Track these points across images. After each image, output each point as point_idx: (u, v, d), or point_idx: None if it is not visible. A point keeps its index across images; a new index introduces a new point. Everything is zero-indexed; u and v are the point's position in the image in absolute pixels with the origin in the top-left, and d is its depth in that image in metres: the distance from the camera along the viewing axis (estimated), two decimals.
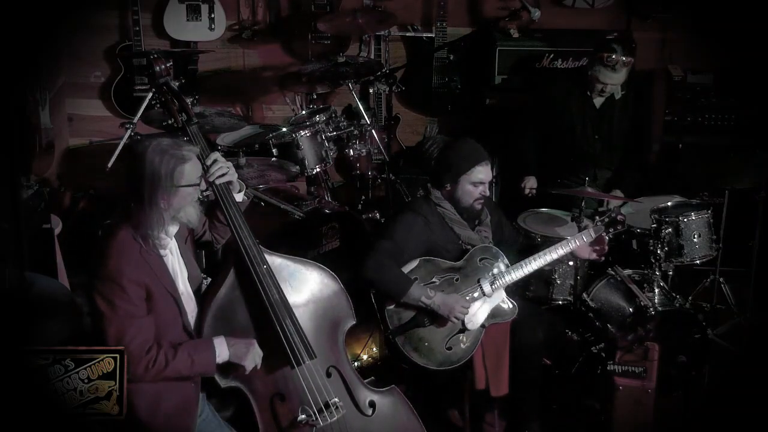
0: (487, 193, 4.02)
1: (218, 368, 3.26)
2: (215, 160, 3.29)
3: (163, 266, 3.20)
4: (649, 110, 5.71)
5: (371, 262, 3.85)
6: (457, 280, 3.93)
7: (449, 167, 4.00)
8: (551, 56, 5.79)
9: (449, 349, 3.91)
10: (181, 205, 3.16)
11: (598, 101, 5.05)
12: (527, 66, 5.82)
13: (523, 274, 3.99)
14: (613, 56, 4.82)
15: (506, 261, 3.99)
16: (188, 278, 3.32)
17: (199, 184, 3.20)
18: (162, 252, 3.20)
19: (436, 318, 3.90)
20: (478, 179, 3.96)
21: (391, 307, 3.90)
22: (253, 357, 3.25)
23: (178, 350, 3.14)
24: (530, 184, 5.01)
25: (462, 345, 3.92)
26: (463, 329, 3.91)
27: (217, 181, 3.29)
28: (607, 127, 5.08)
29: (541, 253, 4.00)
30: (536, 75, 5.78)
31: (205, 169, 3.26)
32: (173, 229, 3.24)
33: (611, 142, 5.10)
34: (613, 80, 4.90)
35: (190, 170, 3.15)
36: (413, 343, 3.90)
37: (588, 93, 5.01)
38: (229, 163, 3.34)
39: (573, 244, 4.05)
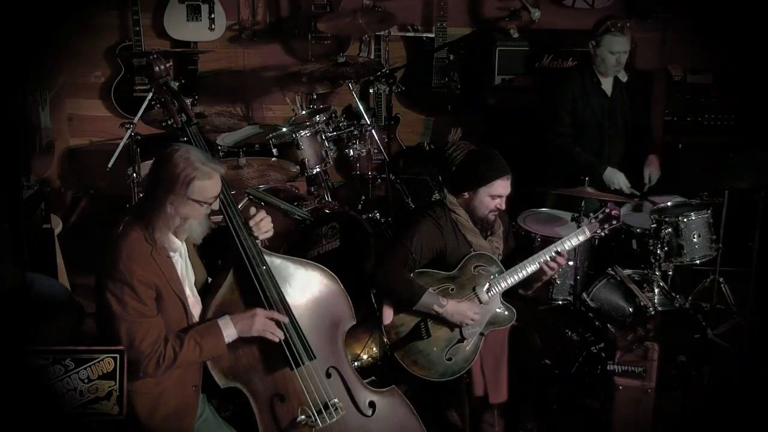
0: (503, 207, 4.00)
1: (221, 367, 3.27)
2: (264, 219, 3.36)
3: (172, 268, 3.20)
4: (648, 97, 5.73)
5: (385, 270, 3.85)
6: (452, 290, 3.92)
7: (470, 176, 3.97)
8: (551, 56, 5.80)
9: (449, 359, 3.90)
10: (187, 215, 3.16)
11: (608, 88, 5.08)
12: (527, 66, 5.82)
13: (518, 279, 3.96)
14: (618, 22, 4.93)
15: (501, 267, 3.98)
16: (195, 281, 3.33)
17: (209, 204, 3.18)
18: (171, 254, 3.21)
19: (436, 329, 3.90)
20: (497, 192, 3.94)
21: (389, 322, 3.89)
22: (262, 324, 3.24)
23: (185, 340, 3.15)
24: (622, 181, 4.97)
25: (462, 355, 3.91)
26: (462, 339, 3.91)
27: (262, 236, 3.34)
28: (623, 113, 5.12)
29: (535, 256, 3.99)
30: (539, 75, 5.78)
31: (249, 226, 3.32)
32: (183, 233, 3.24)
33: (625, 129, 5.14)
34: (624, 46, 4.96)
35: (207, 187, 3.13)
36: (413, 356, 3.89)
37: (599, 80, 5.04)
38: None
39: (568, 243, 4.04)
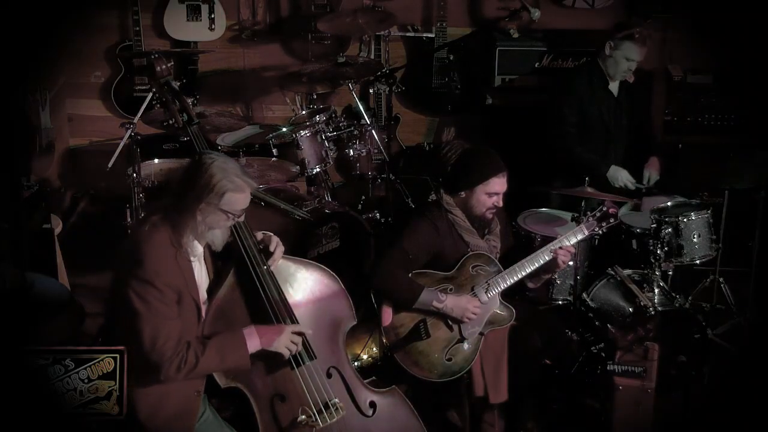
0: (500, 204, 3.99)
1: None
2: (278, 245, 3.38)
3: (192, 273, 3.21)
4: (650, 96, 5.75)
5: (381, 271, 3.85)
6: (451, 290, 3.91)
7: (466, 175, 3.97)
8: (551, 56, 5.80)
9: (449, 359, 3.90)
10: (213, 225, 3.18)
11: (614, 89, 5.09)
12: (527, 66, 5.82)
13: (517, 278, 3.97)
14: (640, 30, 4.93)
15: (499, 266, 3.98)
16: (207, 287, 3.34)
17: (237, 216, 3.20)
18: (192, 259, 3.22)
19: (436, 329, 3.90)
20: (494, 190, 3.93)
21: (388, 323, 3.89)
22: (286, 342, 3.26)
23: (207, 347, 3.16)
24: (625, 177, 4.98)
25: (462, 355, 3.91)
26: (462, 339, 3.91)
27: (273, 267, 3.36)
28: (627, 114, 5.13)
29: (534, 255, 3.98)
30: (540, 75, 5.78)
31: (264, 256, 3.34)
32: (205, 239, 3.25)
33: (629, 130, 5.15)
34: (641, 56, 4.97)
35: (239, 200, 3.16)
36: (413, 357, 3.89)
37: (607, 81, 5.04)
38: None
39: (566, 241, 4.04)
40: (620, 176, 4.95)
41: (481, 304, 3.91)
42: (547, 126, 5.13)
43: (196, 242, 3.22)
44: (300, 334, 3.32)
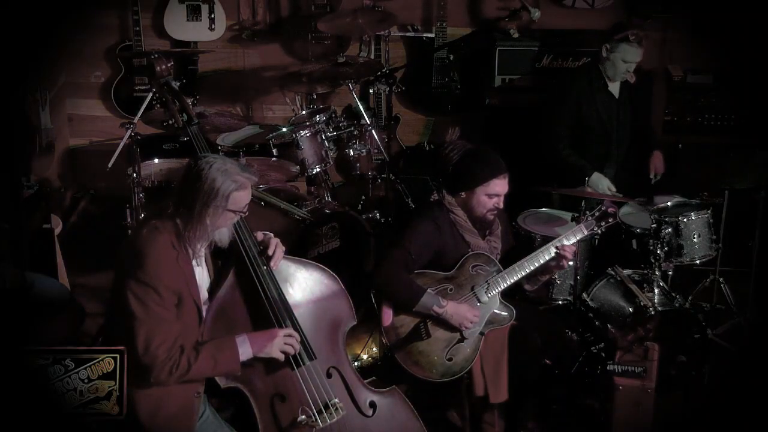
0: (501, 206, 4.00)
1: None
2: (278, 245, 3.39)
3: (193, 275, 3.21)
4: (650, 96, 5.75)
5: (384, 272, 3.85)
6: (451, 290, 3.92)
7: (467, 176, 3.97)
8: (551, 56, 5.80)
9: (450, 359, 3.90)
10: (221, 225, 3.20)
11: (615, 90, 5.09)
12: (527, 66, 5.82)
13: (517, 278, 3.97)
14: (635, 32, 4.92)
15: (499, 266, 3.98)
16: (208, 287, 3.35)
17: (243, 212, 3.22)
18: (194, 262, 3.22)
19: (436, 329, 3.90)
20: (495, 191, 3.94)
21: (389, 323, 3.89)
22: (279, 346, 3.26)
23: (201, 352, 3.16)
24: (606, 185, 4.96)
25: (462, 355, 3.91)
26: (462, 339, 3.91)
27: (273, 268, 3.37)
28: (630, 114, 5.13)
29: (533, 255, 3.99)
30: (540, 75, 5.79)
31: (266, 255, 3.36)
32: (209, 239, 3.26)
33: (631, 130, 5.15)
34: (638, 57, 4.96)
35: (242, 197, 3.17)
36: (413, 357, 3.89)
37: (606, 83, 5.04)
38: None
39: (565, 241, 4.04)
40: (602, 184, 4.95)
41: (480, 308, 3.91)
42: (541, 127, 5.13)
43: (200, 246, 3.22)
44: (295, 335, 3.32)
